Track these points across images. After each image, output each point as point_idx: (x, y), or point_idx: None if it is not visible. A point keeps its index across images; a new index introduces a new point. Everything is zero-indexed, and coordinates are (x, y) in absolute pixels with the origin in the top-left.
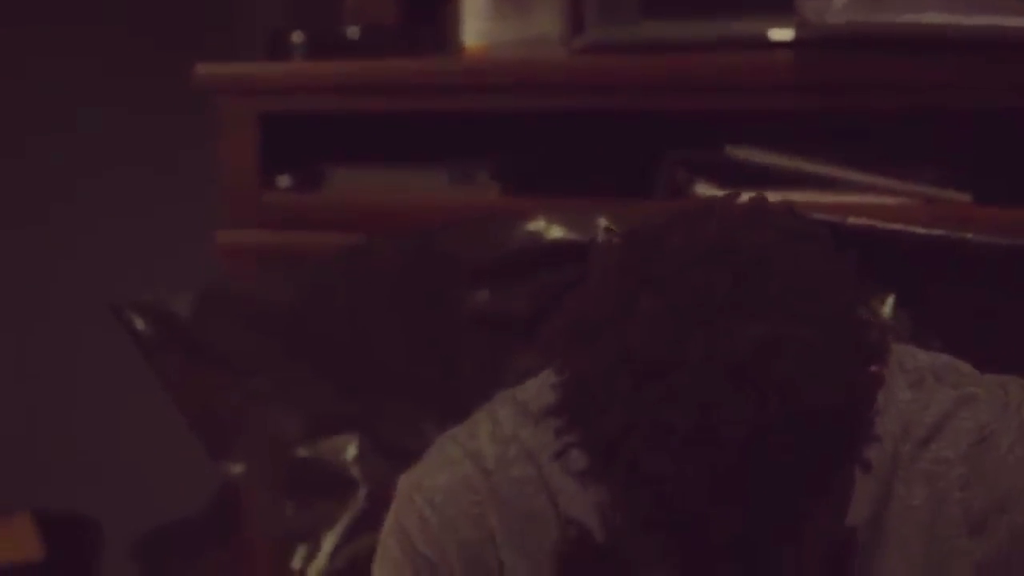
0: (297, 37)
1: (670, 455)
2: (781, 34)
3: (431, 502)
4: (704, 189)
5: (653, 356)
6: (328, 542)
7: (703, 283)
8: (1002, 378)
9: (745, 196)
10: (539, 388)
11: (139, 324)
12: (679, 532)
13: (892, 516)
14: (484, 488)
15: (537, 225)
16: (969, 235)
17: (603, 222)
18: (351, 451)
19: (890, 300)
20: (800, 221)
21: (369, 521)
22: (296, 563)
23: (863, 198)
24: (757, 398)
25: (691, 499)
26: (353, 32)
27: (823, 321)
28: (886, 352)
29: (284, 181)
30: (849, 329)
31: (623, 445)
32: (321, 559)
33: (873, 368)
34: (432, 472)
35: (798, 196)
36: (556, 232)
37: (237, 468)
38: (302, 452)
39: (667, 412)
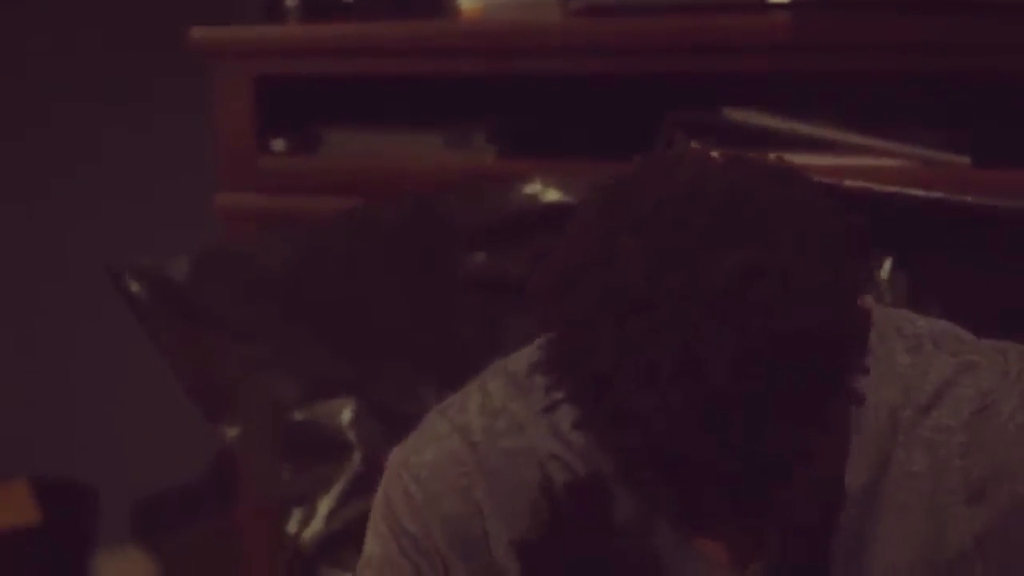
0: (292, 0)
1: (657, 392)
2: None
3: (417, 478)
4: None
5: (635, 294)
6: (323, 506)
7: (680, 219)
8: (1001, 345)
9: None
10: (530, 358)
11: (135, 288)
12: (668, 472)
13: (891, 482)
14: (471, 461)
15: (533, 188)
16: (968, 198)
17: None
18: (347, 415)
19: (887, 263)
20: (777, 163)
21: (365, 484)
22: (291, 527)
23: (861, 160)
24: (737, 325)
25: (679, 435)
26: None
27: (801, 247)
28: (867, 284)
29: (280, 145)
30: (829, 256)
31: (611, 387)
32: (317, 523)
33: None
34: (419, 448)
35: (795, 158)
36: (552, 195)
37: (232, 432)
38: (298, 416)
39: (651, 350)
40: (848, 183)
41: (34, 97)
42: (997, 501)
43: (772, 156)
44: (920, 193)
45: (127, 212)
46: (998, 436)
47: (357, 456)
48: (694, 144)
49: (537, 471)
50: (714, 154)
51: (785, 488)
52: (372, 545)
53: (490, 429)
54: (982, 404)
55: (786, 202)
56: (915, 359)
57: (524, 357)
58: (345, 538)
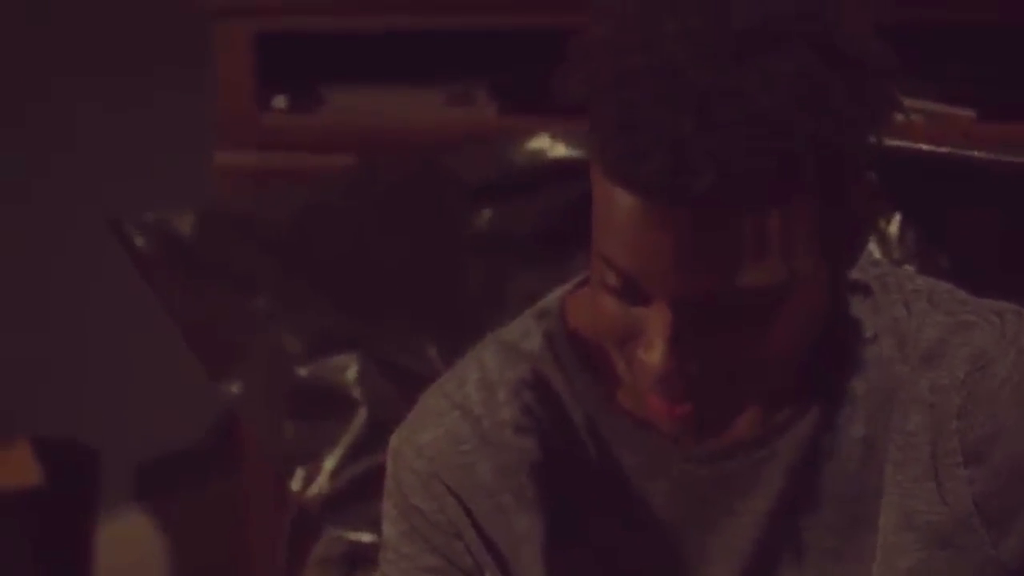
0: None
1: (680, 19)
2: None
3: (420, 455)
4: None
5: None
6: (328, 463)
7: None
8: (999, 306)
9: None
10: (524, 327)
11: (140, 242)
12: (670, 109)
13: (889, 440)
14: (473, 436)
15: (541, 143)
16: (975, 152)
17: None
18: (352, 371)
19: (896, 218)
20: None
21: (370, 442)
22: (295, 486)
23: None
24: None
25: (692, 59)
26: None
27: None
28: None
29: (281, 102)
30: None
31: (638, 17)
32: (321, 480)
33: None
34: (420, 427)
35: None
36: (560, 150)
37: (236, 388)
38: (302, 372)
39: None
40: None
41: (35, 54)
42: (994, 462)
43: None
44: (926, 147)
45: (128, 172)
46: (994, 397)
47: (362, 413)
48: None
49: (538, 436)
50: None
51: (782, 161)
52: (387, 529)
53: (489, 402)
54: (978, 364)
55: None
56: (910, 315)
57: (517, 326)
58: (350, 496)
